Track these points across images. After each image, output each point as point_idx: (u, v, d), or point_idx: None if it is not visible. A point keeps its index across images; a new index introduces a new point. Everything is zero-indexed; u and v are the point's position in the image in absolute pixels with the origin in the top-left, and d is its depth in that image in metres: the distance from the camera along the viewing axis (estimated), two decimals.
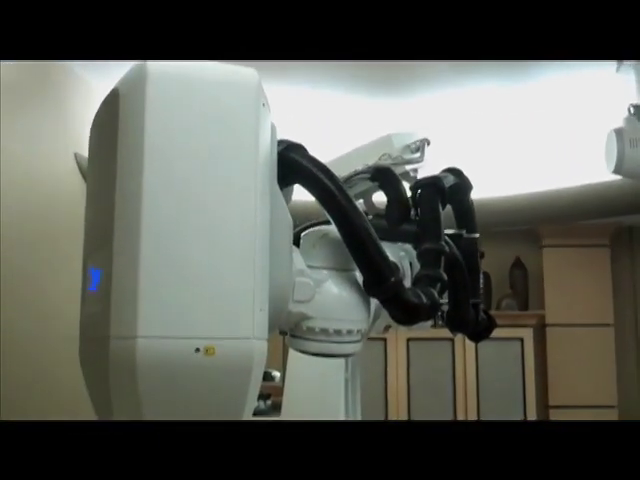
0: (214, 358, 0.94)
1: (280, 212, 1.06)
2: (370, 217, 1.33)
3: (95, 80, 3.19)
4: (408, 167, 1.45)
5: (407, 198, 1.27)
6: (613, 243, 5.11)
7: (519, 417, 4.71)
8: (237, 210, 0.96)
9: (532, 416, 4.72)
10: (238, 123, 0.96)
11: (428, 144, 1.45)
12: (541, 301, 5.07)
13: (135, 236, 0.92)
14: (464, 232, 1.38)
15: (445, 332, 4.87)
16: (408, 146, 1.44)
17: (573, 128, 3.68)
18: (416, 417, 4.67)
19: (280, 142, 1.07)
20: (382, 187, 1.29)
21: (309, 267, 1.11)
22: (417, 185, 1.26)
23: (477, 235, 1.41)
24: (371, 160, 1.41)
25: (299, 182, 1.09)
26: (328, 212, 1.07)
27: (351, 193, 1.27)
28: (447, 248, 1.22)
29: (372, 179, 1.32)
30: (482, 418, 4.68)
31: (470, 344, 4.73)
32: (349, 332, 1.12)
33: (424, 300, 1.11)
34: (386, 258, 1.07)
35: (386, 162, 1.40)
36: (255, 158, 0.97)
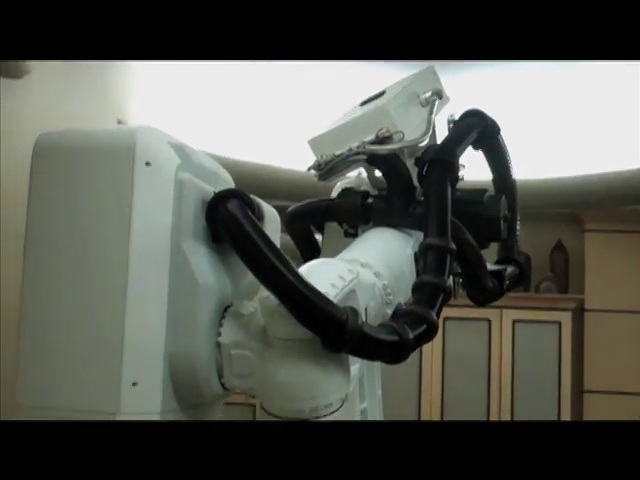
0: None
1: (188, 276, 0.97)
2: (375, 193, 1.25)
3: None
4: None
5: (411, 181, 1.17)
6: None
7: (553, 401, 4.68)
8: (107, 279, 0.94)
9: (566, 400, 4.69)
10: (111, 187, 0.95)
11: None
12: (581, 285, 5.02)
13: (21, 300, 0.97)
14: (488, 192, 1.25)
15: (482, 312, 4.84)
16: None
17: (618, 111, 3.62)
18: (449, 397, 4.68)
19: (223, 191, 0.98)
20: (382, 173, 1.20)
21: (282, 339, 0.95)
22: (424, 160, 1.10)
23: (512, 178, 1.30)
24: (368, 134, 1.19)
25: (226, 237, 0.97)
26: (251, 271, 0.93)
27: (347, 172, 1.20)
28: (452, 245, 1.06)
29: (370, 163, 1.20)
30: (516, 400, 4.66)
31: (507, 325, 4.72)
32: (313, 409, 0.94)
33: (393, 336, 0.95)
34: (334, 306, 0.90)
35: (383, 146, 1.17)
36: (127, 221, 0.93)
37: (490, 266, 1.30)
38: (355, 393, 1.12)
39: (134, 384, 0.92)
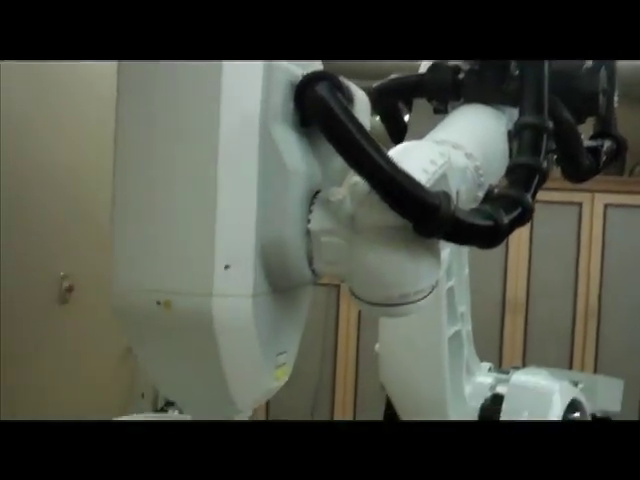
0: (172, 312, 0.95)
1: (277, 161, 0.96)
2: (467, 67, 1.21)
3: None
4: None
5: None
6: None
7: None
8: (198, 166, 0.94)
9: None
10: (199, 72, 0.94)
11: None
12: None
13: (112, 190, 0.99)
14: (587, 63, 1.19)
15: (572, 196, 4.73)
16: None
17: None
18: (535, 282, 4.65)
19: (312, 73, 0.96)
20: None
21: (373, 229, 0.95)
22: None
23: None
24: None
25: (316, 121, 0.93)
26: (341, 155, 0.91)
27: None
28: (549, 124, 1.02)
29: None
30: (604, 287, 4.60)
31: (599, 210, 4.60)
32: (403, 296, 0.95)
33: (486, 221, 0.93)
34: (427, 191, 0.89)
35: None
36: (216, 107, 0.92)
37: (586, 142, 1.26)
38: (442, 271, 1.10)
39: (226, 267, 0.94)
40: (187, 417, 1.23)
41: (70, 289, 2.95)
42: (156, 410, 3.07)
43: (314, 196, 1.01)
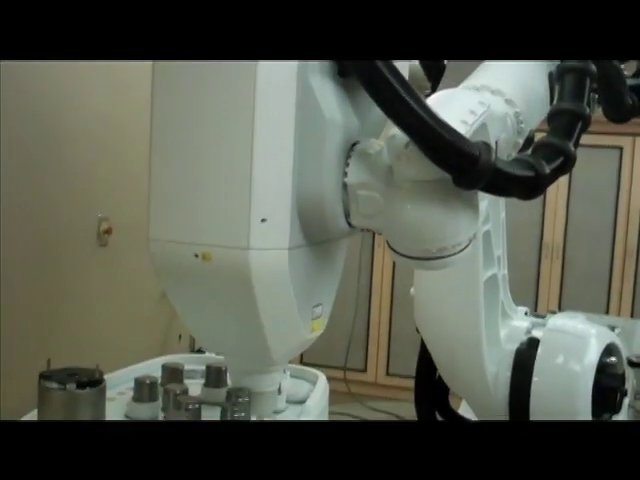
0: (211, 265, 0.96)
1: (315, 111, 0.95)
2: None
3: None
4: None
5: None
6: None
7: None
8: (236, 117, 0.93)
9: None
10: None
11: None
12: None
13: (151, 149, 1.00)
14: None
15: (614, 140, 4.62)
16: None
17: None
18: (573, 226, 4.59)
19: None
20: None
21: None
22: None
23: None
24: None
25: (354, 71, 0.91)
26: (380, 106, 0.88)
27: None
28: (592, 67, 1.00)
29: None
30: None
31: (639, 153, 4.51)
32: (441, 249, 0.94)
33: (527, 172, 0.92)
34: (467, 141, 0.87)
35: None
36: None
37: (629, 80, 1.23)
38: (480, 222, 1.11)
39: (263, 220, 0.95)
40: (222, 359, 1.24)
41: (109, 231, 2.98)
42: (193, 351, 3.12)
43: (351, 148, 1.00)
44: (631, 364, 1.79)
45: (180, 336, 3.57)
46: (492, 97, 1.06)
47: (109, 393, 1.11)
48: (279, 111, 0.95)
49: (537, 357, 1.68)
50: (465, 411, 1.99)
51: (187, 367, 1.31)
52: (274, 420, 1.02)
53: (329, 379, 1.39)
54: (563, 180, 4.57)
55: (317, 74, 0.97)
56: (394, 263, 4.51)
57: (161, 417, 1.08)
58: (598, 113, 1.29)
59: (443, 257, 0.95)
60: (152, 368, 1.33)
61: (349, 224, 1.02)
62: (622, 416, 1.78)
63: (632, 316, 4.38)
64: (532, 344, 1.72)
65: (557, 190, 4.57)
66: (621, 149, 4.49)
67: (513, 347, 1.74)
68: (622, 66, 1.20)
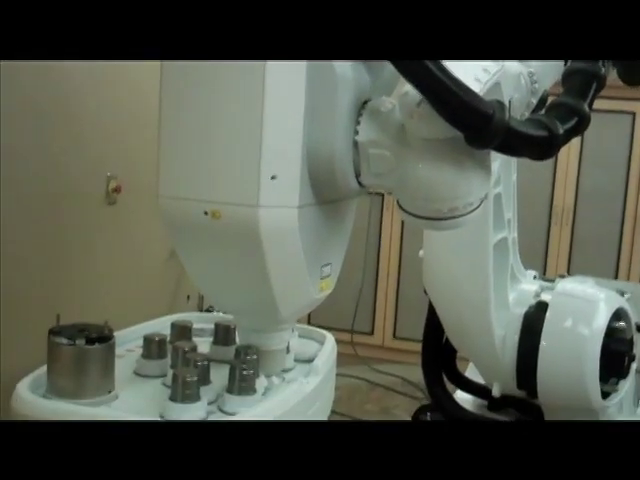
0: (220, 222, 0.95)
1: (326, 66, 0.94)
2: None
3: None
4: None
5: None
6: None
7: None
8: (246, 74, 0.92)
9: None
10: None
11: None
12: None
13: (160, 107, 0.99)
14: None
15: (626, 105, 4.57)
16: None
17: None
18: (584, 191, 4.56)
19: None
20: None
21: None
22: None
23: None
24: None
25: None
26: (392, 62, 0.86)
27: None
28: None
29: None
30: None
31: None
32: (452, 209, 0.94)
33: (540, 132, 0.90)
34: (481, 99, 0.86)
35: None
36: None
37: None
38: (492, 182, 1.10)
39: (273, 177, 0.94)
40: (230, 317, 1.24)
41: (117, 190, 2.97)
42: (201, 311, 3.13)
43: (362, 106, 0.99)
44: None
45: (188, 297, 3.58)
46: None
47: (118, 350, 1.11)
48: (290, 67, 0.94)
49: (545, 320, 1.68)
50: (472, 374, 2.00)
51: (196, 325, 1.32)
52: (274, 420, 1.01)
53: (336, 341, 1.39)
54: (575, 144, 4.53)
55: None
56: (402, 226, 4.50)
57: (170, 374, 1.09)
58: (611, 77, 1.27)
59: (454, 217, 0.94)
60: (161, 326, 1.34)
61: (359, 183, 1.01)
62: (629, 381, 1.78)
63: None
64: (541, 307, 1.72)
65: (568, 154, 4.53)
66: (634, 114, 4.44)
67: (522, 310, 1.74)
68: None
